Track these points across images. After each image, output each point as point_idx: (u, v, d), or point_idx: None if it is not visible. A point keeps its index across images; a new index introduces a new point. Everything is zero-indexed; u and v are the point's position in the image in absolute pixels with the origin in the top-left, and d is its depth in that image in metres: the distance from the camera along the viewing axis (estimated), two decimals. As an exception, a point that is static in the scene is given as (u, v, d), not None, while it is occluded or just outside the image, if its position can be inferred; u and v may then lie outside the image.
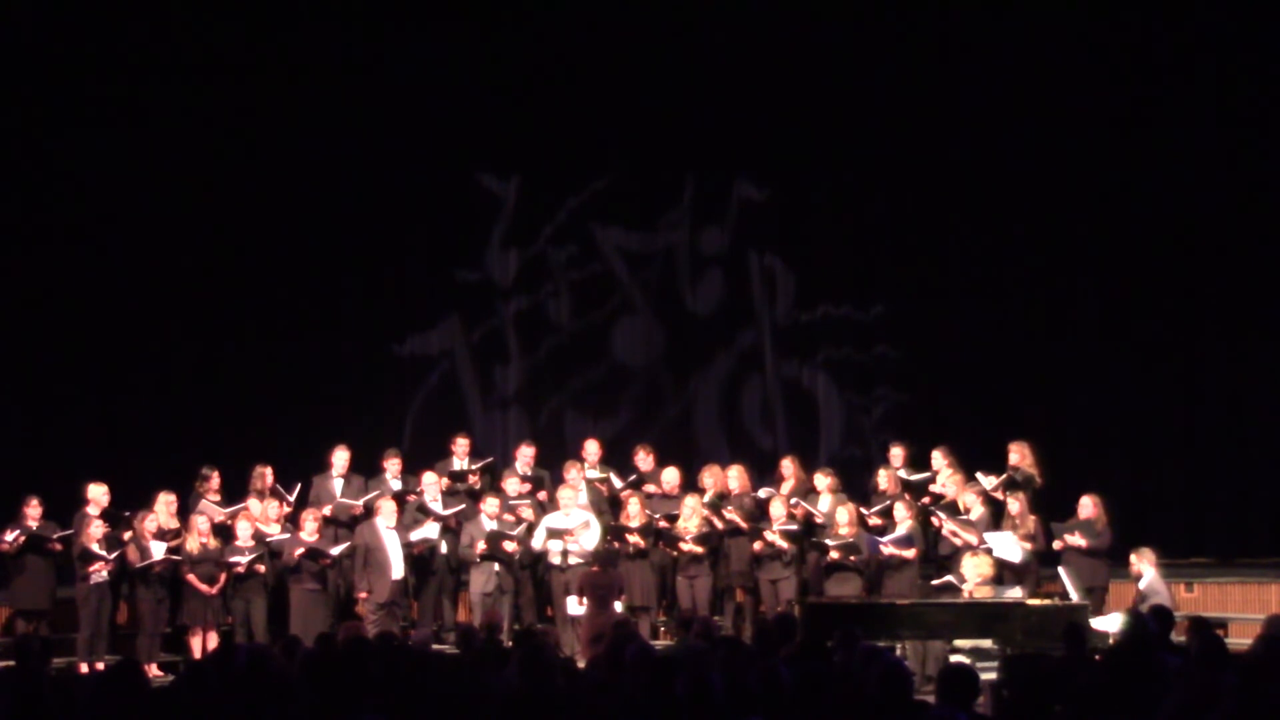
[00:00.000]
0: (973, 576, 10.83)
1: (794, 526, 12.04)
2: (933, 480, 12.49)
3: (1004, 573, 11.28)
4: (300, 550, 11.54)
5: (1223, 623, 11.43)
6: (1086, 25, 14.70)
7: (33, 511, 11.58)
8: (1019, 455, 12.37)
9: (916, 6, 14.97)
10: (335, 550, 11.74)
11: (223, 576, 11.64)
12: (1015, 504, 11.69)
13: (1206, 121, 14.71)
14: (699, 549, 12.14)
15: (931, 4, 14.99)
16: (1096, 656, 8.08)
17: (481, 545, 11.84)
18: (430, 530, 12.17)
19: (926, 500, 12.32)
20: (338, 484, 12.53)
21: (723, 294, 15.66)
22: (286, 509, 12.17)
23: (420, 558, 12.20)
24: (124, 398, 14.21)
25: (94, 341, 14.05)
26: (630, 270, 15.62)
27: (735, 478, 12.60)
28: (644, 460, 13.02)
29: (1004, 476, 12.14)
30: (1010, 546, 11.43)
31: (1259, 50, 14.47)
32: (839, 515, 11.87)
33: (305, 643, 8.37)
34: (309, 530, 11.70)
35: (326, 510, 12.26)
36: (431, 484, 12.40)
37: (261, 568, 11.68)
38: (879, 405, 15.47)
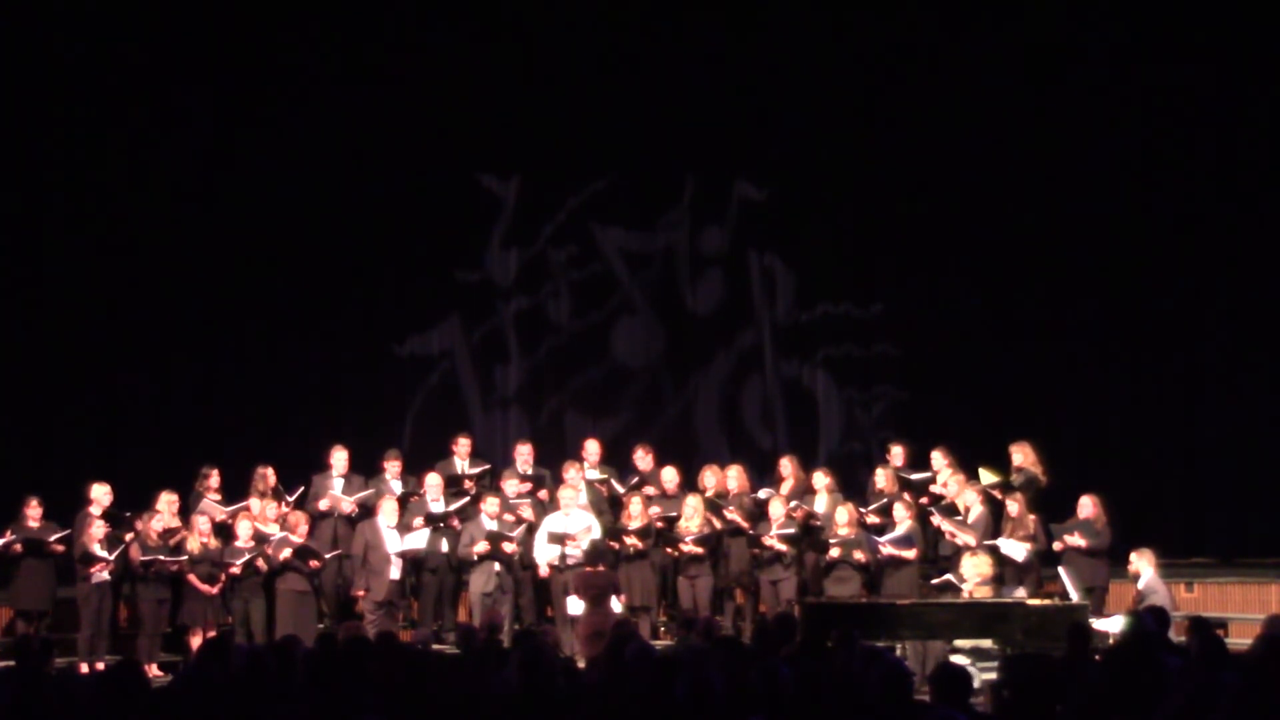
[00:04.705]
0: (973, 576, 10.83)
1: (792, 530, 12.03)
2: (932, 480, 12.49)
3: (1005, 572, 11.30)
4: (287, 551, 11.51)
5: (1223, 623, 11.43)
6: (1084, 22, 14.70)
7: (33, 512, 11.56)
8: (1021, 455, 12.36)
9: (916, 7, 14.96)
10: (327, 555, 11.73)
11: (223, 576, 11.62)
12: (1014, 505, 11.69)
13: (1206, 119, 14.69)
14: (699, 550, 12.13)
15: (931, 4, 14.98)
16: (1097, 656, 8.08)
17: (482, 545, 11.79)
18: (418, 541, 12.05)
19: (925, 500, 12.33)
20: (338, 483, 12.51)
21: (723, 294, 15.65)
22: (284, 508, 12.15)
23: (419, 558, 12.18)
24: (124, 398, 14.23)
25: (94, 341, 14.05)
26: (630, 270, 15.61)
27: (735, 478, 12.59)
28: (644, 460, 13.01)
29: (998, 481, 12.13)
30: (1014, 545, 11.46)
31: (1260, 49, 14.47)
32: (838, 515, 11.87)
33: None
34: (300, 533, 11.68)
35: (323, 504, 12.27)
36: (434, 485, 12.39)
37: (263, 565, 11.67)
38: (879, 403, 15.47)
